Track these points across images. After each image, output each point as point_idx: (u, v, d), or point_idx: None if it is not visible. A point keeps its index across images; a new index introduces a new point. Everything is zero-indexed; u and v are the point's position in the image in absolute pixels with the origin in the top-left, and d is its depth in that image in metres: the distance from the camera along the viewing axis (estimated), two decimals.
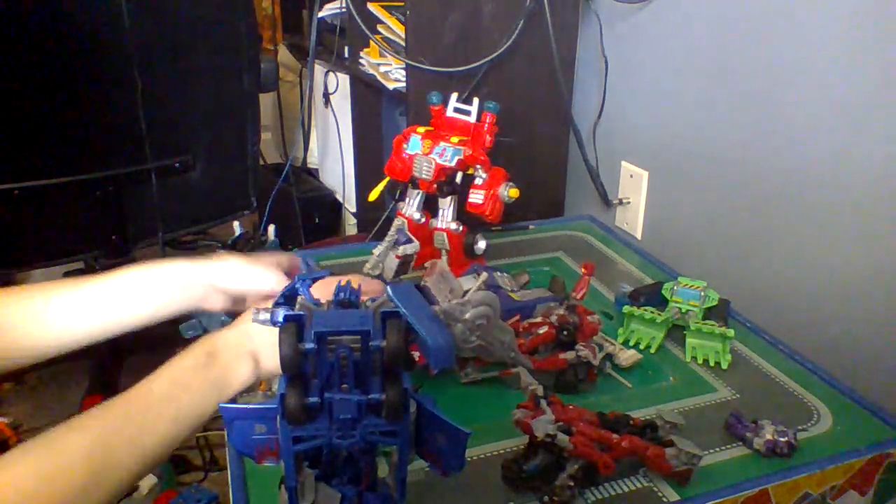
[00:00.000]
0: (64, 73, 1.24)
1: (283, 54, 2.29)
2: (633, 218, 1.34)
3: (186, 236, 1.60)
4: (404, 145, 1.08)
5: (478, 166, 1.04)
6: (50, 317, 0.73)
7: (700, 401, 0.83)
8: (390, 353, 0.50)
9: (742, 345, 0.94)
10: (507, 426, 0.71)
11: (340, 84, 1.75)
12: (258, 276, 0.76)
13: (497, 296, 0.80)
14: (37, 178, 1.27)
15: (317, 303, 0.58)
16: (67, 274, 1.53)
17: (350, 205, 1.85)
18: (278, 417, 0.52)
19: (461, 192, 1.07)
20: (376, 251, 1.02)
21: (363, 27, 1.36)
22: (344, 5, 1.49)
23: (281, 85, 2.05)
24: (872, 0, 0.86)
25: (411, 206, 1.09)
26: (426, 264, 0.85)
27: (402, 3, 1.31)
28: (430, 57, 1.26)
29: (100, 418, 0.62)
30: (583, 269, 1.02)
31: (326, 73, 1.82)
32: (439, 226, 1.08)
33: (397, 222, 1.04)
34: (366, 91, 1.61)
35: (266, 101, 2.10)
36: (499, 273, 1.02)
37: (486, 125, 1.08)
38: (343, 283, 0.58)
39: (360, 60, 1.52)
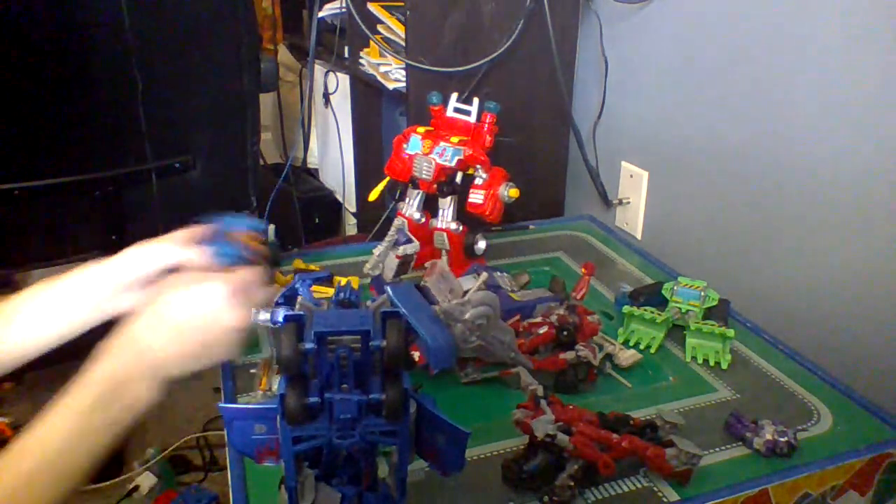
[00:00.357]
0: (64, 73, 1.24)
1: (283, 54, 2.29)
2: (633, 218, 1.34)
3: None
4: (404, 145, 1.08)
5: (478, 166, 1.04)
6: None
7: (700, 401, 0.83)
8: (390, 353, 0.50)
9: (742, 345, 0.94)
10: (507, 426, 0.71)
11: (340, 84, 1.75)
12: (157, 252, 0.72)
13: (497, 296, 0.80)
14: (37, 178, 1.27)
15: (317, 303, 0.58)
16: None
17: (350, 205, 1.85)
18: (278, 417, 0.52)
19: (461, 192, 1.07)
20: (376, 251, 1.02)
21: (363, 27, 1.36)
22: (344, 5, 1.49)
23: (281, 85, 2.05)
24: (873, 2, 0.85)
25: (411, 206, 1.09)
26: (426, 264, 0.85)
27: (402, 3, 1.31)
28: (430, 57, 1.26)
29: None
30: (583, 269, 1.03)
31: (326, 73, 1.82)
32: (439, 226, 1.08)
33: (397, 222, 1.04)
34: (366, 91, 1.61)
35: (266, 101, 2.10)
36: (499, 273, 1.02)
37: (486, 125, 1.08)
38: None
39: (360, 60, 1.52)
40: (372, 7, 1.46)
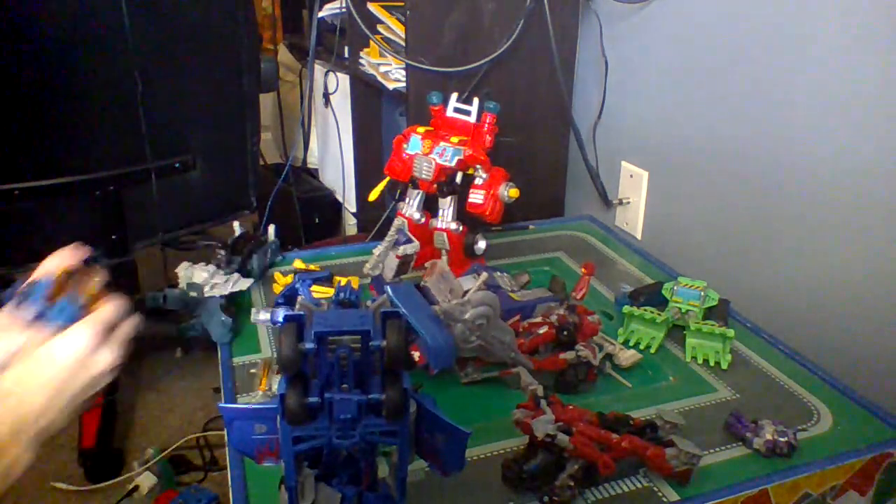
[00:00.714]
0: (64, 74, 1.24)
1: (283, 54, 2.29)
2: (633, 218, 1.34)
3: (186, 236, 1.59)
4: (404, 145, 1.08)
5: (478, 166, 1.04)
6: None
7: (700, 401, 0.83)
8: (390, 353, 0.50)
9: (742, 345, 0.94)
10: (507, 426, 0.71)
11: (340, 84, 1.75)
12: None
13: (497, 296, 0.80)
14: (37, 178, 1.27)
15: (317, 303, 0.58)
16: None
17: (350, 205, 1.85)
18: (278, 417, 0.52)
19: (461, 192, 1.07)
20: (376, 251, 1.02)
21: (363, 27, 1.36)
22: (344, 5, 1.49)
23: (281, 85, 2.05)
24: (874, 2, 0.85)
25: (411, 206, 1.09)
26: (426, 264, 0.85)
27: (402, 3, 1.31)
28: (430, 57, 1.26)
29: None
30: (583, 269, 1.02)
31: (326, 73, 1.82)
32: (439, 226, 1.08)
33: (397, 222, 1.04)
34: (366, 91, 1.61)
35: (266, 101, 2.10)
36: (499, 273, 1.02)
37: (486, 125, 1.08)
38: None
39: (360, 60, 1.52)
40: (372, 7, 1.46)
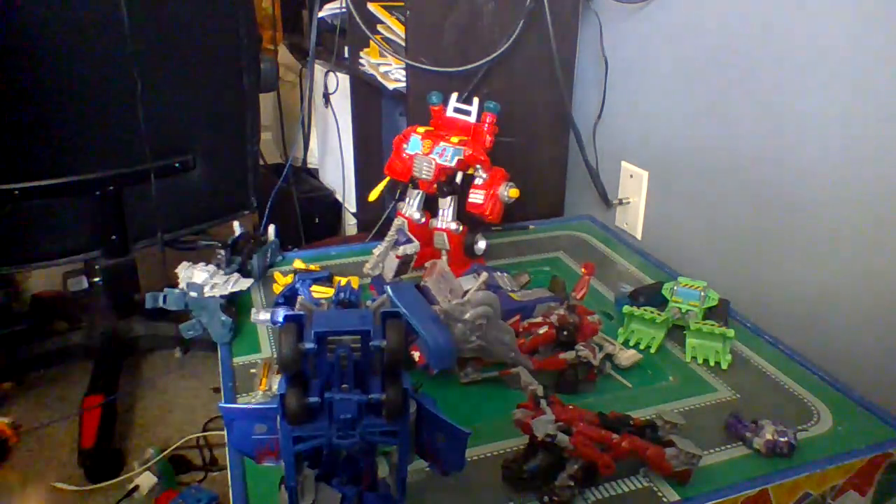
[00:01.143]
0: (64, 73, 1.24)
1: (283, 54, 2.29)
2: (633, 218, 1.34)
3: (186, 236, 1.59)
4: (404, 145, 1.08)
5: (478, 166, 1.05)
6: None
7: (700, 401, 0.83)
8: (390, 353, 0.50)
9: (742, 345, 0.94)
10: (507, 426, 0.71)
11: (340, 84, 1.75)
12: None
13: (497, 296, 0.80)
14: (37, 178, 1.27)
15: (317, 303, 0.58)
16: (67, 274, 1.53)
17: (350, 205, 1.85)
18: (278, 417, 0.52)
19: (461, 192, 1.07)
20: (376, 251, 1.02)
21: (363, 27, 1.36)
22: (344, 5, 1.49)
23: (281, 85, 2.05)
24: (874, 1, 0.86)
25: (411, 206, 1.09)
26: (426, 264, 0.86)
27: (402, 3, 1.31)
28: (430, 57, 1.26)
29: None
30: (583, 269, 1.03)
31: (326, 73, 1.82)
32: (439, 226, 1.08)
33: (397, 222, 1.04)
34: (366, 91, 1.61)
35: (266, 101, 2.10)
36: (499, 273, 1.02)
37: (486, 125, 1.08)
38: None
39: (360, 60, 1.52)
40: (372, 7, 1.46)
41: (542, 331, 0.85)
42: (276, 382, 0.80)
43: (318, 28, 1.61)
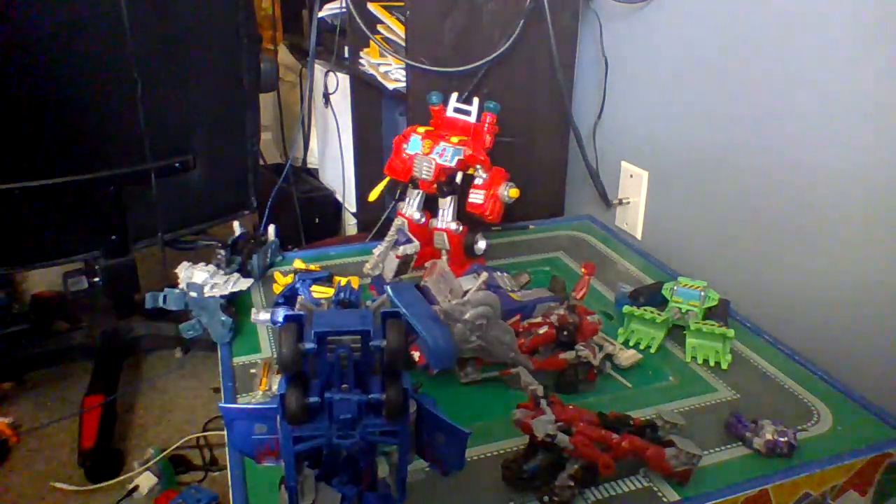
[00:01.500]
0: (64, 73, 1.24)
1: (283, 54, 2.29)
2: (633, 218, 1.34)
3: (186, 236, 1.59)
4: (404, 145, 1.08)
5: (478, 166, 1.05)
6: None
7: (700, 401, 0.83)
8: (390, 353, 0.50)
9: (742, 345, 0.94)
10: (507, 426, 0.71)
11: (340, 84, 1.75)
12: None
13: (497, 296, 0.80)
14: (37, 178, 1.27)
15: (317, 303, 0.58)
16: (67, 274, 1.53)
17: (350, 205, 1.85)
18: (278, 417, 0.52)
19: (461, 192, 1.07)
20: (376, 251, 1.02)
21: (363, 27, 1.36)
22: (344, 5, 1.49)
23: (281, 85, 2.05)
24: (874, 1, 0.86)
25: (411, 206, 1.09)
26: (426, 264, 0.86)
27: (402, 3, 1.31)
28: (430, 57, 1.26)
29: None
30: (583, 269, 1.03)
31: (326, 73, 1.82)
32: (439, 226, 1.08)
33: (397, 222, 1.04)
34: (366, 91, 1.61)
35: (266, 101, 2.10)
36: (499, 273, 1.02)
37: (486, 125, 1.08)
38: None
39: (360, 60, 1.52)
40: (372, 7, 1.46)
41: (542, 331, 0.85)
42: (276, 382, 0.80)
43: (318, 28, 1.61)
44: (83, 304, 1.58)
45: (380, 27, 1.44)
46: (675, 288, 0.97)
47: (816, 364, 0.90)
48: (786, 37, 0.98)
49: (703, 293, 0.95)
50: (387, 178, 1.12)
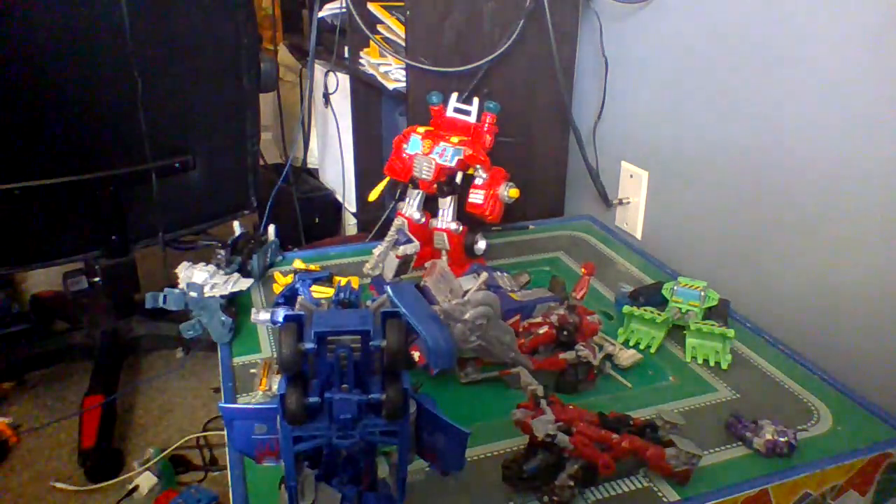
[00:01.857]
0: (64, 73, 1.24)
1: (283, 54, 2.29)
2: (633, 218, 1.34)
3: (186, 236, 1.59)
4: (404, 145, 1.08)
5: (478, 166, 1.04)
6: None
7: (700, 401, 0.83)
8: (390, 353, 0.50)
9: (742, 345, 0.94)
10: (507, 426, 0.71)
11: (340, 84, 1.75)
12: None
13: (497, 296, 0.80)
14: (37, 178, 1.27)
15: (317, 303, 0.58)
16: (67, 274, 1.53)
17: (350, 205, 1.85)
18: (278, 417, 0.52)
19: (461, 192, 1.07)
20: (376, 251, 1.02)
21: (363, 27, 1.36)
22: (344, 5, 1.49)
23: (281, 85, 2.05)
24: (873, 2, 0.86)
25: (411, 206, 1.09)
26: (426, 264, 0.86)
27: (402, 3, 1.31)
28: (430, 57, 1.26)
29: None
30: (583, 269, 1.03)
31: (326, 73, 1.82)
32: (439, 226, 1.08)
33: (397, 222, 1.04)
34: (366, 91, 1.61)
35: (266, 101, 2.10)
36: (499, 273, 1.02)
37: (486, 125, 1.08)
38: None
39: (360, 60, 1.52)
40: (372, 7, 1.46)
41: (542, 331, 0.85)
42: (276, 382, 0.80)
43: (318, 28, 1.61)
44: (83, 304, 1.59)
45: (380, 27, 1.44)
46: (675, 288, 0.97)
47: (816, 364, 0.90)
48: (786, 37, 0.98)
49: (703, 293, 0.95)
50: (387, 178, 1.12)
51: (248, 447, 0.56)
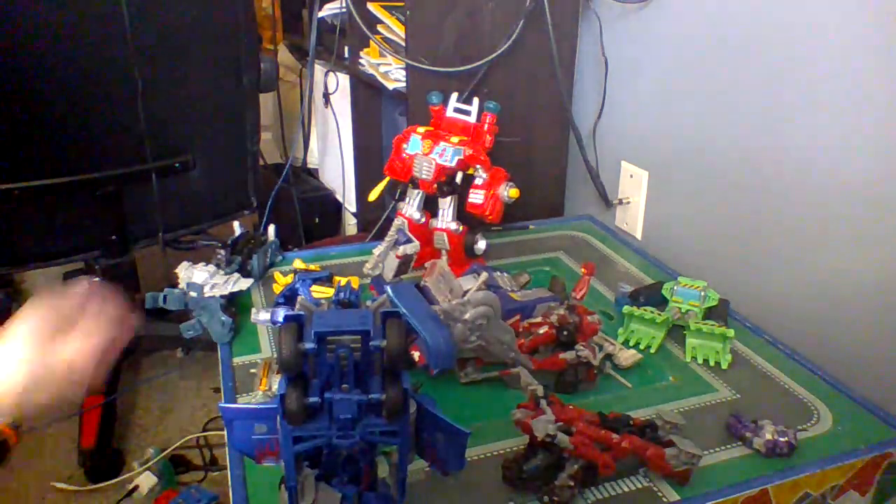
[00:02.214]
0: (64, 73, 1.24)
1: (283, 54, 2.29)
2: (633, 218, 1.34)
3: (186, 236, 1.59)
4: (404, 145, 1.08)
5: (478, 166, 1.04)
6: None
7: (700, 401, 0.83)
8: (390, 353, 0.50)
9: (742, 345, 0.94)
10: (507, 426, 0.71)
11: (340, 84, 1.75)
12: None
13: (497, 296, 0.80)
14: (37, 178, 1.27)
15: (317, 303, 0.58)
16: (67, 274, 1.53)
17: (350, 205, 1.85)
18: (278, 417, 0.52)
19: (461, 192, 1.07)
20: (376, 251, 1.02)
21: (363, 27, 1.36)
22: (344, 5, 1.49)
23: (281, 85, 2.05)
24: (873, 2, 0.86)
25: (411, 206, 1.09)
26: (426, 264, 0.86)
27: (402, 3, 1.31)
28: (430, 57, 1.26)
29: None
30: (583, 269, 1.03)
31: (326, 73, 1.82)
32: (439, 226, 1.08)
33: (397, 222, 1.04)
34: (366, 91, 1.61)
35: (266, 101, 2.10)
36: (499, 273, 1.02)
37: (486, 125, 1.08)
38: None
39: (360, 60, 1.52)
40: (372, 7, 1.46)
41: (542, 331, 0.85)
42: (276, 382, 0.80)
43: (318, 28, 1.61)
44: None
45: (380, 27, 1.44)
46: (675, 288, 0.97)
47: (816, 364, 0.90)
48: (786, 37, 0.98)
49: (703, 293, 0.95)
50: (387, 178, 1.12)
51: (248, 447, 0.56)
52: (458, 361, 0.84)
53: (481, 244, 1.10)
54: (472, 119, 1.09)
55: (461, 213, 1.08)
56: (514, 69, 1.33)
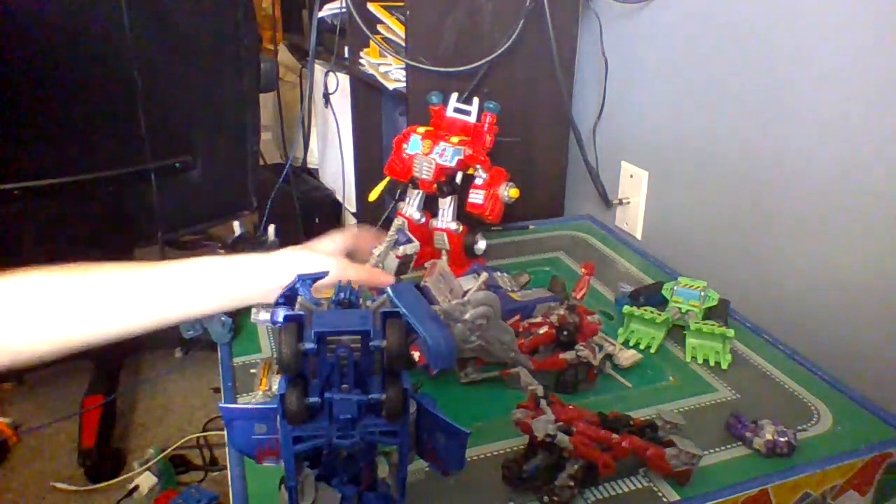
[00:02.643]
0: (64, 74, 1.24)
1: (283, 54, 2.29)
2: (633, 218, 1.34)
3: (186, 236, 1.60)
4: (404, 145, 1.08)
5: (478, 166, 1.04)
6: (111, 298, 0.74)
7: (700, 401, 0.83)
8: (390, 353, 0.50)
9: (742, 345, 0.94)
10: (507, 426, 0.71)
11: (340, 84, 1.75)
12: (317, 268, 0.76)
13: (497, 296, 0.80)
14: (37, 178, 1.27)
15: (317, 302, 0.58)
16: None
17: (350, 205, 1.85)
18: (278, 417, 0.52)
19: (461, 192, 1.07)
20: (376, 251, 1.02)
21: (363, 27, 1.36)
22: (344, 5, 1.49)
23: (281, 85, 2.05)
24: (874, 2, 0.86)
25: (411, 206, 1.09)
26: (426, 264, 0.86)
27: (402, 3, 1.31)
28: (430, 57, 1.26)
29: None
30: (583, 269, 1.03)
31: (326, 73, 1.82)
32: (439, 226, 1.08)
33: (397, 222, 1.04)
34: (366, 91, 1.61)
35: (266, 101, 2.10)
36: (499, 273, 1.02)
37: (486, 125, 1.08)
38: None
39: (360, 60, 1.52)
40: (372, 7, 1.46)
41: (542, 331, 0.85)
42: (276, 382, 0.80)
43: (318, 28, 1.60)
44: None
45: (380, 27, 1.44)
46: (675, 288, 0.97)
47: (816, 364, 0.90)
48: (787, 37, 0.98)
49: (703, 293, 0.95)
50: (387, 178, 1.12)
51: (248, 447, 0.56)
52: (458, 361, 0.84)
53: (481, 244, 1.10)
54: (472, 119, 1.09)
55: (461, 213, 1.08)
56: (514, 69, 1.33)
